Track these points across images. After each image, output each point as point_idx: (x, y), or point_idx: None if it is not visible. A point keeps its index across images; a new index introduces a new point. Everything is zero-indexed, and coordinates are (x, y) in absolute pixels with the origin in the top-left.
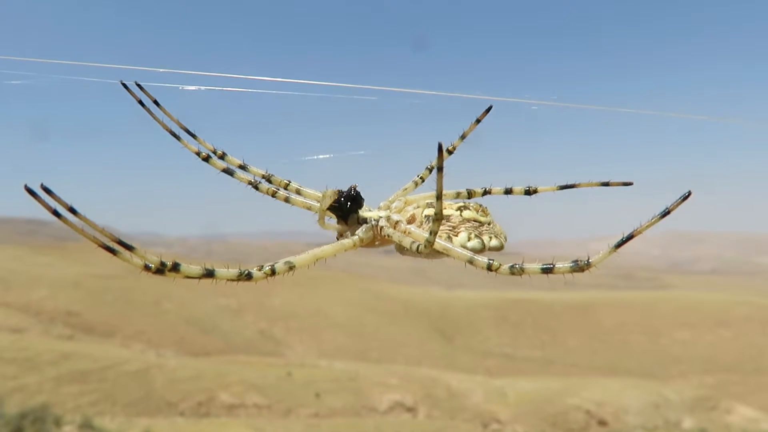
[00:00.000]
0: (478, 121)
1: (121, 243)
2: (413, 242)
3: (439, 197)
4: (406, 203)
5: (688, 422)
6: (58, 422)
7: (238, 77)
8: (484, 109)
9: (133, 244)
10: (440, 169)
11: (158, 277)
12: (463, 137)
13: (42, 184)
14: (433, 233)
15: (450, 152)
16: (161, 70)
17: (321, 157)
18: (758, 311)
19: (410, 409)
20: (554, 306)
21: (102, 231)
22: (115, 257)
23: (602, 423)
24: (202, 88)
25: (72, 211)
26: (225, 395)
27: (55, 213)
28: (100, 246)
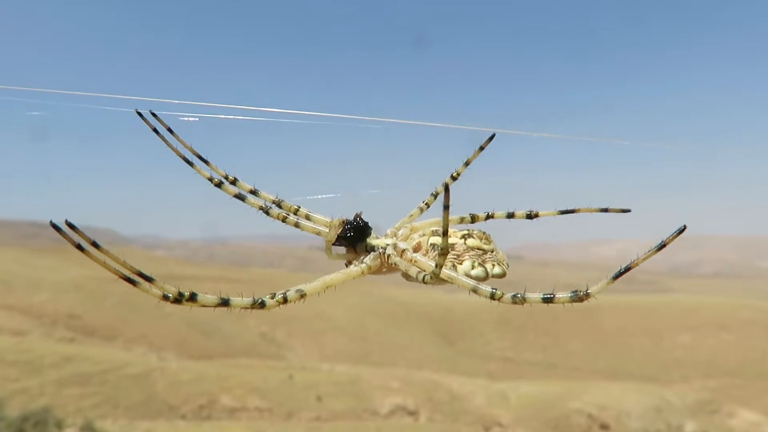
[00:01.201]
0: (481, 148)
1: (140, 275)
2: (419, 272)
3: (445, 233)
4: (412, 230)
5: (690, 426)
6: (59, 425)
7: (238, 107)
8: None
9: (152, 276)
10: (446, 207)
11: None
12: (467, 164)
13: (66, 221)
14: (439, 266)
15: (454, 179)
16: (175, 101)
17: (328, 196)
18: (760, 315)
19: (412, 413)
20: (556, 309)
21: (123, 264)
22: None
23: (604, 427)
24: (202, 115)
25: (95, 245)
26: (226, 398)
27: (79, 247)
28: (121, 278)
